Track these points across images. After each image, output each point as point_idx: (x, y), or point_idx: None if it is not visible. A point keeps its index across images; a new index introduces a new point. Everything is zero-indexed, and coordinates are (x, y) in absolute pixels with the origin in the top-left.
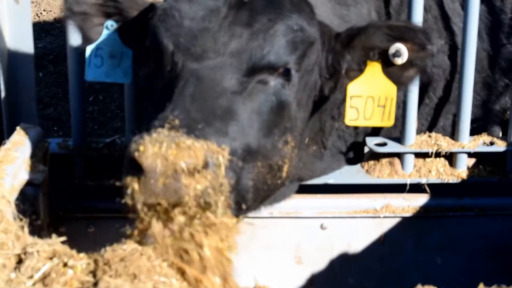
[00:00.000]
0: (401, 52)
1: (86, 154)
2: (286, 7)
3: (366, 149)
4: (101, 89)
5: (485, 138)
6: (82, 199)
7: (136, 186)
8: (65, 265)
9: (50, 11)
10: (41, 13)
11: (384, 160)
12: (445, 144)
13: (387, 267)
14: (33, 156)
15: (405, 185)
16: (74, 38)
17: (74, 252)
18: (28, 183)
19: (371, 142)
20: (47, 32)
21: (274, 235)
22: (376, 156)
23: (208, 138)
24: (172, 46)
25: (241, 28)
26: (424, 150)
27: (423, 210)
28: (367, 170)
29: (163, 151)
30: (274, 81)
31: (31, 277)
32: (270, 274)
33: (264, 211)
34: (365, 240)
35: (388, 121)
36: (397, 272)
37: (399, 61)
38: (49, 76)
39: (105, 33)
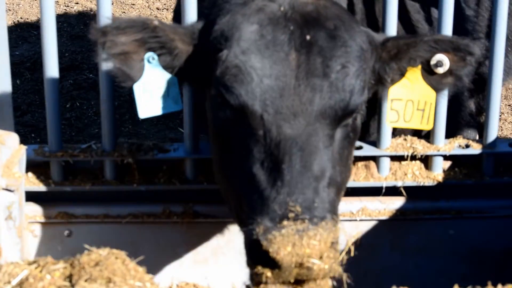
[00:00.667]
0: (443, 62)
1: (62, 159)
2: (346, 39)
3: None
4: (78, 96)
5: (460, 141)
6: (59, 204)
7: (269, 274)
8: (42, 270)
9: (27, 18)
10: (18, 21)
11: (360, 164)
12: (421, 147)
13: (364, 269)
14: (9, 162)
15: (381, 188)
16: (50, 46)
17: (50, 257)
18: (5, 189)
19: None
20: (24, 40)
21: None
22: None
23: (325, 217)
24: (260, 110)
25: (319, 80)
26: (400, 153)
27: (399, 213)
28: None
29: (297, 250)
30: (351, 119)
31: (9, 282)
32: (246, 277)
33: None
34: (341, 243)
35: (427, 125)
36: (374, 274)
37: (441, 70)
38: (26, 83)
39: (148, 67)
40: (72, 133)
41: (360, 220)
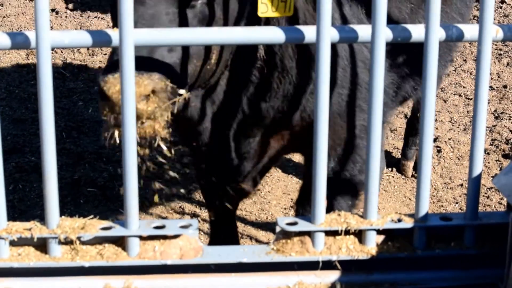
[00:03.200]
0: None
1: (5, 236)
2: None
3: (277, 229)
4: (20, 178)
5: (393, 215)
6: (2, 280)
7: (107, 108)
8: None
9: None
10: None
11: (296, 239)
12: (354, 221)
13: None
14: None
15: (317, 262)
16: None
17: None
18: None
19: (283, 222)
20: None
21: None
22: (287, 235)
23: (153, 73)
24: None
25: None
26: (334, 228)
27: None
28: (278, 249)
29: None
30: (198, 3)
31: None
32: None
33: None
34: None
35: (288, 12)
36: None
37: None
38: None
39: None
40: (15, 215)
41: None
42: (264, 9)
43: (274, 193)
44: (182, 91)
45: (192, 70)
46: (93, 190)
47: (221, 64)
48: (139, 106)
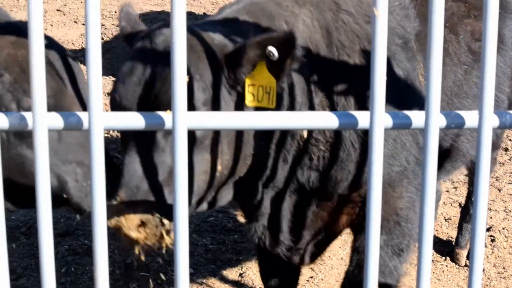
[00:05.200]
0: (273, 52)
1: None
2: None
3: None
4: (73, 261)
5: None
6: None
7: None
8: None
9: None
10: None
11: None
12: None
13: None
14: None
15: None
16: (45, 211)
17: None
18: None
19: None
20: None
21: None
22: None
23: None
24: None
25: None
26: None
27: None
28: None
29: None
30: None
31: None
32: None
33: None
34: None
35: (272, 104)
36: None
37: (274, 58)
38: (21, 247)
39: None
40: None
41: None
42: (251, 98)
43: (327, 281)
44: (166, 222)
45: (198, 186)
46: (146, 274)
47: (238, 168)
48: (134, 235)
